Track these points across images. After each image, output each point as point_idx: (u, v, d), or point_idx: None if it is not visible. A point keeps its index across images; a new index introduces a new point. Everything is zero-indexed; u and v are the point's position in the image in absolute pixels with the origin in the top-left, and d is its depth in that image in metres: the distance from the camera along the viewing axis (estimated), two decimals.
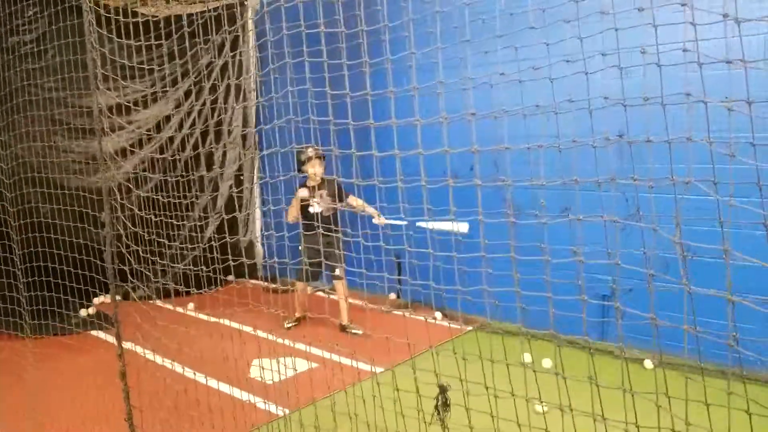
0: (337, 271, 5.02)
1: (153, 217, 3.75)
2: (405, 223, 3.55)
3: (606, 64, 1.89)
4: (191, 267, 5.63)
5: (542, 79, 2.07)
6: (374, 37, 2.46)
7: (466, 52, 2.30)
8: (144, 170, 6.13)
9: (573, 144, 2.00)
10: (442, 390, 1.94)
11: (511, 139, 2.37)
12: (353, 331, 5.04)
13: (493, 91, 2.34)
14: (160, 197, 3.86)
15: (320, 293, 6.26)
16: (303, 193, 4.99)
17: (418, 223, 3.37)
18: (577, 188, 1.96)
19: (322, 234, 4.67)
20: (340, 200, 5.02)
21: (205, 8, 6.06)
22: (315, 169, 5.02)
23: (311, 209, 5.00)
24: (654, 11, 1.79)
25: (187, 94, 6.58)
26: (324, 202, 5.06)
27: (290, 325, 5.40)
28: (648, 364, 4.21)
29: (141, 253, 3.81)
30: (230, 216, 6.69)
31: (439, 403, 1.93)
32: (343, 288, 5.20)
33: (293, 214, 5.00)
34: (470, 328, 4.83)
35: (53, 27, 5.11)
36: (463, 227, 3.50)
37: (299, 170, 5.01)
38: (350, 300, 5.21)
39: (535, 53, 2.16)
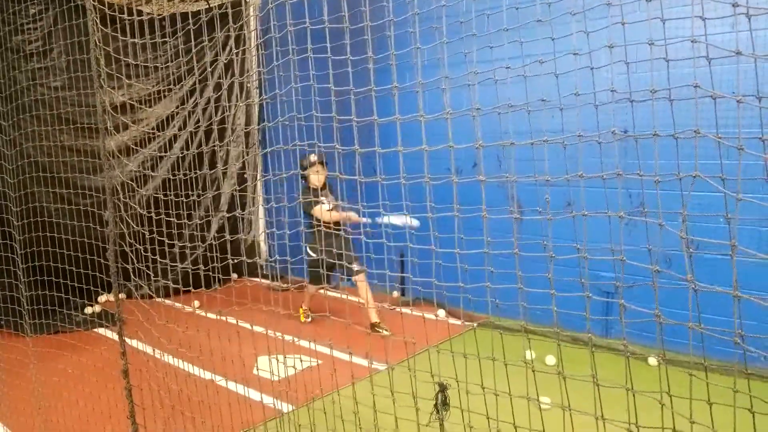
0: (356, 267, 5.01)
1: (155, 215, 3.75)
2: (368, 221, 3.95)
3: (613, 58, 1.87)
4: (195, 265, 5.64)
5: (548, 74, 2.05)
6: (378, 33, 2.45)
7: (471, 46, 2.29)
8: (148, 168, 6.13)
9: (578, 140, 1.98)
10: (442, 388, 1.93)
11: (515, 134, 2.36)
12: (383, 331, 5.00)
13: (497, 86, 2.32)
14: (163, 195, 3.87)
15: (332, 293, 6.26)
16: (325, 206, 4.95)
17: (377, 219, 3.63)
18: (582, 183, 1.94)
19: (336, 235, 4.70)
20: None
21: (208, 5, 6.06)
22: (315, 177, 5.03)
23: (325, 208, 5.00)
24: (662, 3, 1.77)
25: (191, 92, 6.59)
26: (330, 202, 5.07)
27: (309, 319, 5.43)
28: (652, 361, 4.18)
29: (143, 252, 3.81)
30: (233, 214, 6.70)
31: (439, 402, 1.91)
32: (365, 286, 5.16)
33: (327, 216, 4.86)
34: (474, 325, 4.82)
35: (58, 27, 5.12)
36: (414, 222, 3.74)
37: (302, 176, 5.04)
38: (351, 297, 5.20)
39: (541, 47, 2.14)
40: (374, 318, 5.11)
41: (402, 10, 2.56)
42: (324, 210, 4.90)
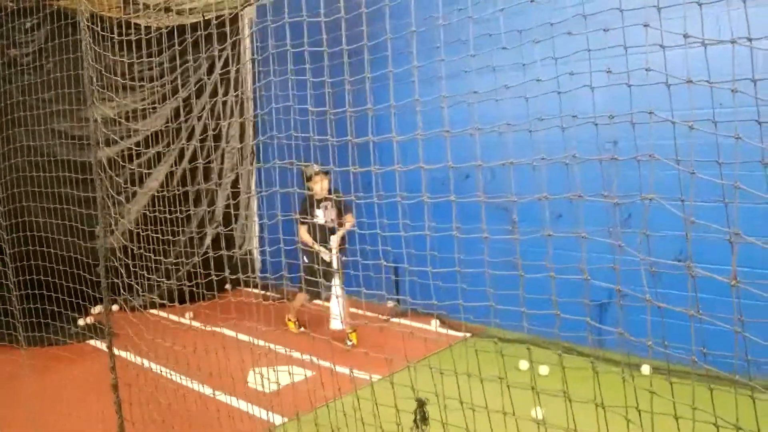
0: (339, 282, 5.02)
1: (150, 229, 3.77)
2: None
3: (574, 81, 1.94)
4: (189, 277, 5.66)
5: (518, 97, 2.11)
6: (375, 53, 2.47)
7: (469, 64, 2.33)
8: (138, 181, 6.15)
9: (544, 161, 2.03)
10: (420, 404, 1.95)
11: (502, 149, 2.39)
12: (348, 342, 5.01)
13: (476, 105, 2.37)
14: (157, 210, 3.89)
15: (317, 301, 6.24)
16: (319, 219, 5.03)
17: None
18: (574, 199, 1.97)
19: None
20: (341, 215, 5.07)
21: (202, 19, 6.11)
22: (318, 185, 5.05)
23: (318, 221, 5.03)
24: (622, 28, 1.84)
25: (185, 105, 6.62)
26: (329, 214, 5.10)
27: (302, 329, 5.39)
28: (645, 369, 4.15)
29: (138, 264, 3.83)
30: (228, 227, 6.72)
31: (418, 417, 1.93)
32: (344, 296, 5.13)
33: (307, 237, 5.00)
34: (468, 335, 4.84)
35: (49, 43, 5.16)
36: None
37: (305, 186, 5.05)
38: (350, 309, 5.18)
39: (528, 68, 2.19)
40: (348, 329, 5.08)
41: (397, 29, 2.58)
42: (303, 233, 4.98)
